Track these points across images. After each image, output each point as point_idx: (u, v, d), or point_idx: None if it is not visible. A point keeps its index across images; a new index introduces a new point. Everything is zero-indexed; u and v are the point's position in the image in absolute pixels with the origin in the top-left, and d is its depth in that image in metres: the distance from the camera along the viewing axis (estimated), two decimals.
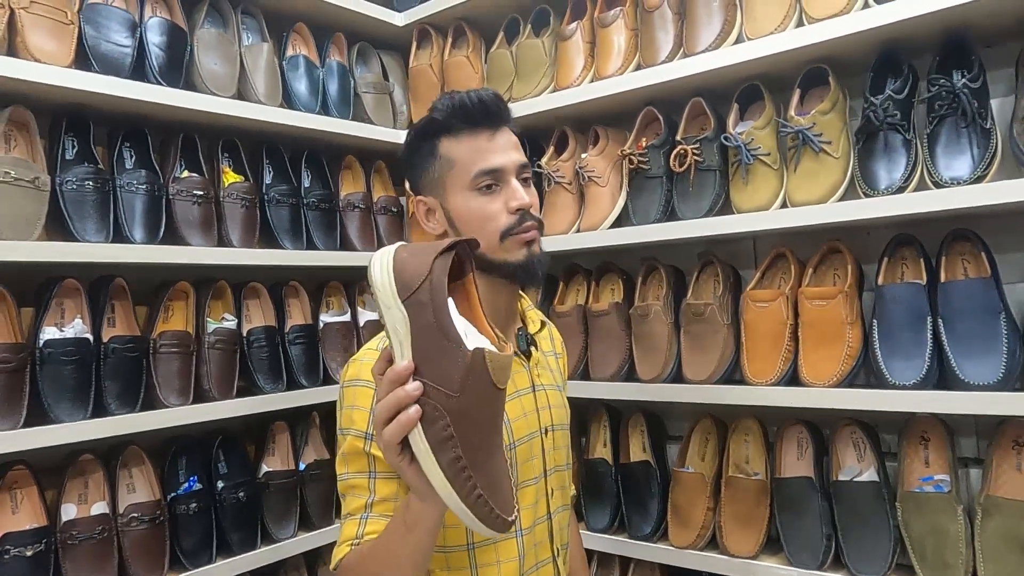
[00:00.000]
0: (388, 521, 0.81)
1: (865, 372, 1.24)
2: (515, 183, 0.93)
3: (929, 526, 1.14)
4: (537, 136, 1.71)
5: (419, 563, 0.78)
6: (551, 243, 1.52)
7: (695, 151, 1.38)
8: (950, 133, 1.14)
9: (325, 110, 1.68)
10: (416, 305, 0.68)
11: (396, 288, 0.69)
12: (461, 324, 0.70)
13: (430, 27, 1.82)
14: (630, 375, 1.46)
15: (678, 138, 1.42)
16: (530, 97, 1.60)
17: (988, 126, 1.12)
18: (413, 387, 0.67)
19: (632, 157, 1.46)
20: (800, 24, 1.27)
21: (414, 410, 0.66)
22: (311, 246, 1.63)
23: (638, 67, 1.47)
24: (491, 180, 0.91)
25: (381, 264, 0.70)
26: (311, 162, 1.72)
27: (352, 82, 1.76)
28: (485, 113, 0.92)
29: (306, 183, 1.71)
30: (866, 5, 1.20)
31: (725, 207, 1.37)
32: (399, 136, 1.82)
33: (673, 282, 1.49)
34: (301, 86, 1.64)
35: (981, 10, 1.11)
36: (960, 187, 1.10)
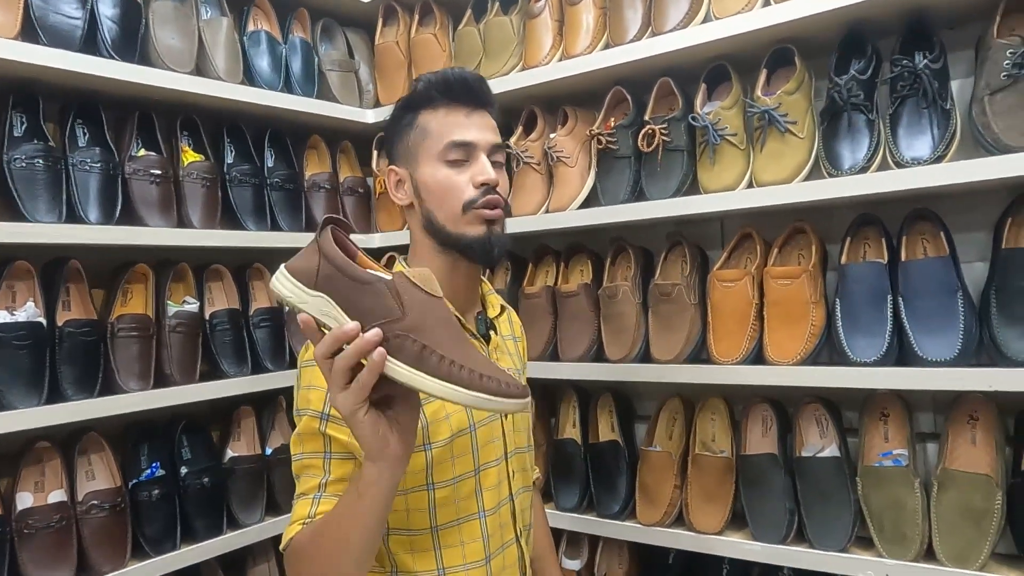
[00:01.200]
0: None
1: (828, 350, 1.26)
2: (484, 159, 0.93)
3: (888, 500, 1.17)
4: (505, 116, 1.68)
5: (369, 538, 0.77)
6: (520, 224, 1.51)
7: (663, 131, 1.37)
8: (912, 114, 1.15)
9: (288, 88, 1.64)
10: (325, 280, 0.71)
11: (302, 284, 0.72)
12: (370, 271, 0.73)
13: (396, 4, 1.78)
14: (599, 355, 1.46)
15: (646, 118, 1.42)
16: (498, 76, 1.57)
17: (948, 107, 1.14)
18: (371, 333, 0.68)
19: (600, 137, 1.46)
20: (767, 4, 1.27)
21: (378, 352, 0.67)
22: (275, 227, 1.60)
23: (607, 46, 1.46)
24: (461, 154, 0.92)
25: (279, 280, 0.74)
26: (274, 141, 1.68)
27: (316, 59, 1.72)
28: (466, 89, 0.94)
29: (269, 163, 1.67)
30: None
31: (693, 187, 1.37)
32: (365, 115, 1.79)
33: (641, 263, 1.50)
34: (263, 63, 1.60)
35: None
36: (921, 167, 1.12)
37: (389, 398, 0.72)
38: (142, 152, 1.42)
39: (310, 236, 1.60)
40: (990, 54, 1.09)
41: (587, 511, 1.51)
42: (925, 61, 1.14)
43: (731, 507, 1.33)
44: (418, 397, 0.74)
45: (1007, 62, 1.07)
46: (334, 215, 0.77)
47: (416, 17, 1.77)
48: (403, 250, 1.72)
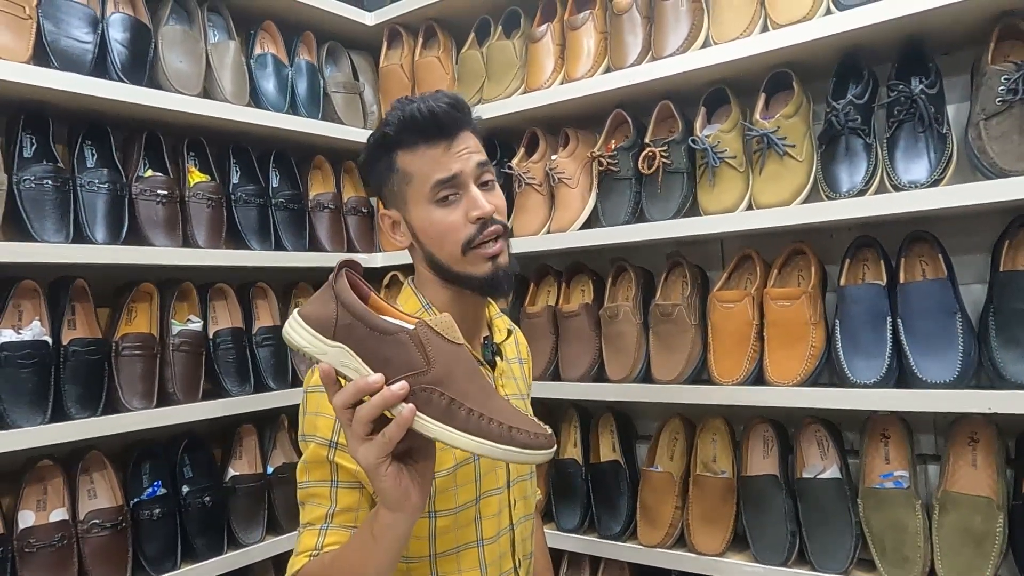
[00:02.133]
0: (349, 532, 0.81)
1: (828, 371, 1.26)
2: (475, 191, 0.89)
3: (889, 521, 1.17)
4: (508, 138, 1.71)
5: None
6: (522, 244, 1.53)
7: (663, 153, 1.39)
8: (908, 138, 1.17)
9: (294, 109, 1.66)
10: (344, 330, 0.70)
11: (319, 334, 0.70)
12: (391, 320, 0.72)
13: (400, 27, 1.81)
14: (600, 375, 1.47)
15: (646, 140, 1.44)
16: (501, 99, 1.60)
17: (944, 131, 1.15)
18: (398, 386, 0.67)
19: (601, 159, 1.48)
20: (765, 29, 1.29)
21: (408, 409, 0.66)
22: (279, 247, 1.61)
23: (607, 70, 1.48)
24: (449, 190, 0.88)
25: (293, 328, 0.72)
26: (279, 162, 1.70)
27: (321, 81, 1.74)
28: (436, 124, 0.87)
29: (274, 183, 1.69)
30: (828, 12, 1.23)
31: (692, 209, 1.39)
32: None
33: (642, 283, 1.51)
34: (269, 85, 1.62)
35: (938, 19, 1.14)
36: (918, 190, 1.13)
37: (410, 449, 0.71)
38: (149, 172, 1.44)
39: (314, 255, 1.65)
40: (985, 80, 1.10)
41: (588, 531, 1.50)
42: (921, 86, 1.16)
43: (732, 528, 1.33)
44: (435, 446, 0.72)
45: (1001, 87, 1.09)
46: (349, 260, 0.76)
47: (420, 40, 1.80)
48: (406, 269, 1.73)
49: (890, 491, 1.19)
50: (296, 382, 1.60)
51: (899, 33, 1.21)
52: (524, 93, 1.58)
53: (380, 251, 1.81)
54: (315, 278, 1.74)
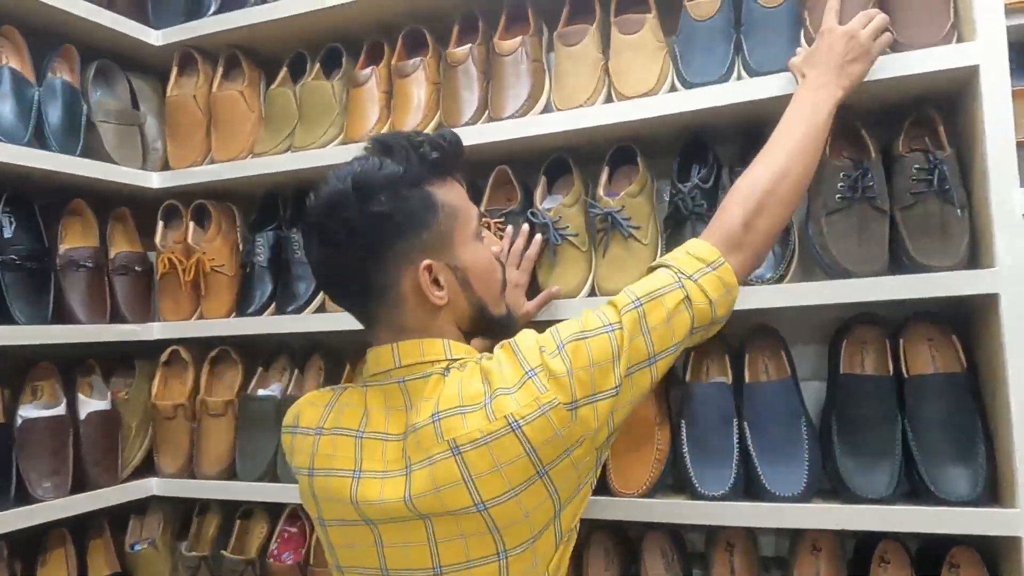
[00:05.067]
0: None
1: (674, 475, 1.15)
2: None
3: None
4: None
5: None
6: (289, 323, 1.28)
7: (499, 225, 1.23)
8: None
9: (41, 141, 1.30)
10: None
11: None
12: None
13: (196, 51, 1.51)
14: None
15: (482, 209, 1.27)
16: (314, 148, 1.36)
17: (788, 224, 1.10)
18: None
19: None
20: (609, 99, 1.19)
21: None
22: (6, 319, 1.23)
23: (439, 126, 1.30)
24: (482, 224, 0.92)
25: None
26: (14, 206, 1.32)
27: (85, 108, 1.39)
28: (457, 156, 0.85)
29: (7, 233, 1.30)
30: (673, 88, 1.15)
31: (531, 290, 1.23)
32: (149, 178, 1.48)
33: None
34: (4, 108, 1.25)
35: (782, 107, 1.09)
36: (761, 286, 1.06)
37: None
38: None
39: (60, 329, 1.28)
40: (825, 174, 1.06)
41: None
42: None
43: None
44: None
45: (841, 184, 1.05)
46: None
47: (220, 69, 1.51)
48: (192, 343, 1.42)
49: None
50: (24, 497, 1.20)
51: (742, 116, 1.15)
52: (342, 144, 1.35)
53: (158, 320, 1.47)
54: (63, 355, 1.35)
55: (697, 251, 0.84)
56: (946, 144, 1.04)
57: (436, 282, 0.81)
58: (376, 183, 0.78)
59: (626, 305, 0.79)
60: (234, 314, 1.41)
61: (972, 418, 1.00)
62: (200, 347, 1.48)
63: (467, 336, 0.86)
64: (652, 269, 0.86)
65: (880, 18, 0.96)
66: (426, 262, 0.79)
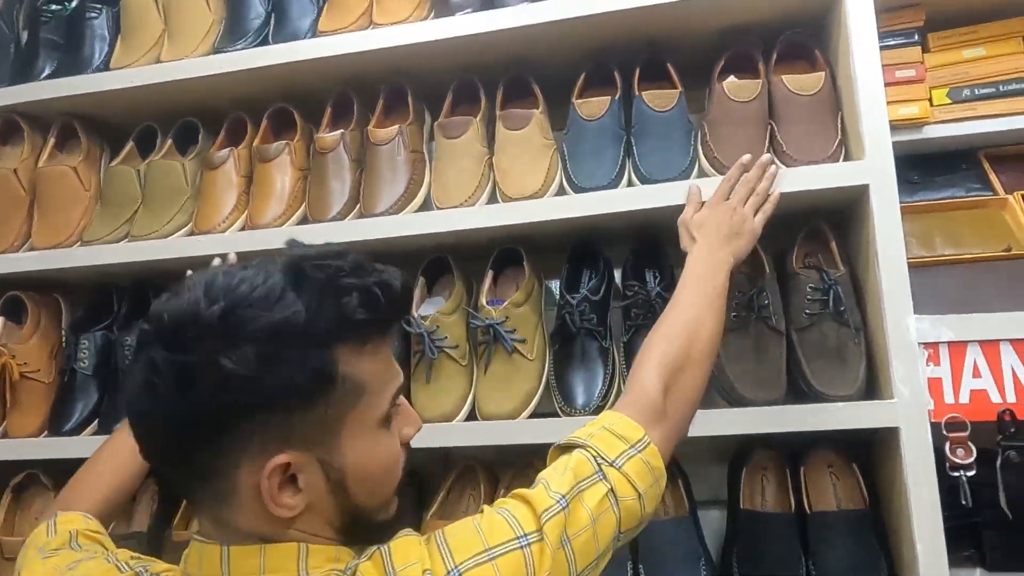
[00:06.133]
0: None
1: None
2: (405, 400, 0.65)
3: None
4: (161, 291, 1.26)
5: None
6: None
7: None
8: None
9: None
10: None
11: None
12: None
13: (21, 117, 1.30)
14: None
15: None
16: (155, 237, 1.17)
17: None
18: None
19: None
20: (493, 198, 1.09)
21: None
22: None
23: (304, 220, 1.15)
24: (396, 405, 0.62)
25: None
26: None
27: None
28: (396, 313, 0.63)
29: None
30: (561, 190, 1.06)
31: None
32: None
33: None
34: None
35: (671, 216, 1.02)
36: None
37: None
38: None
39: None
40: None
41: None
42: (658, 288, 1.02)
43: None
44: None
45: (736, 301, 0.98)
46: None
47: (52, 140, 1.30)
48: (51, 466, 1.17)
49: None
50: None
51: (636, 221, 1.07)
52: (190, 235, 1.17)
53: (6, 437, 1.19)
54: None
55: (617, 427, 0.68)
56: (839, 263, 1.00)
57: (292, 482, 0.56)
58: (256, 327, 0.53)
59: (549, 508, 0.60)
60: (46, 433, 1.17)
61: (876, 558, 0.93)
62: (2, 471, 1.22)
63: (347, 543, 0.60)
64: (564, 448, 0.69)
65: (756, 198, 0.91)
66: (280, 459, 0.54)
